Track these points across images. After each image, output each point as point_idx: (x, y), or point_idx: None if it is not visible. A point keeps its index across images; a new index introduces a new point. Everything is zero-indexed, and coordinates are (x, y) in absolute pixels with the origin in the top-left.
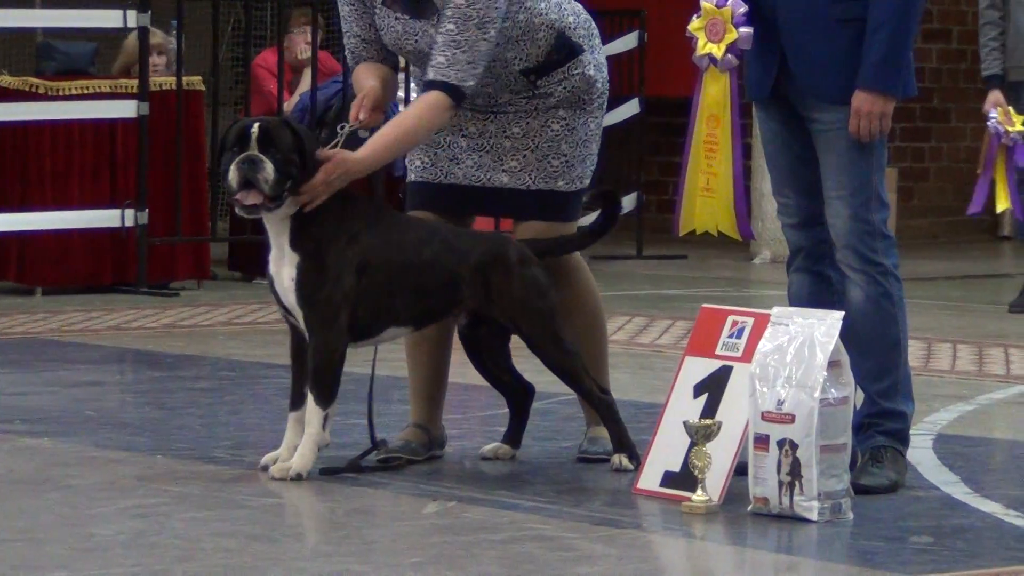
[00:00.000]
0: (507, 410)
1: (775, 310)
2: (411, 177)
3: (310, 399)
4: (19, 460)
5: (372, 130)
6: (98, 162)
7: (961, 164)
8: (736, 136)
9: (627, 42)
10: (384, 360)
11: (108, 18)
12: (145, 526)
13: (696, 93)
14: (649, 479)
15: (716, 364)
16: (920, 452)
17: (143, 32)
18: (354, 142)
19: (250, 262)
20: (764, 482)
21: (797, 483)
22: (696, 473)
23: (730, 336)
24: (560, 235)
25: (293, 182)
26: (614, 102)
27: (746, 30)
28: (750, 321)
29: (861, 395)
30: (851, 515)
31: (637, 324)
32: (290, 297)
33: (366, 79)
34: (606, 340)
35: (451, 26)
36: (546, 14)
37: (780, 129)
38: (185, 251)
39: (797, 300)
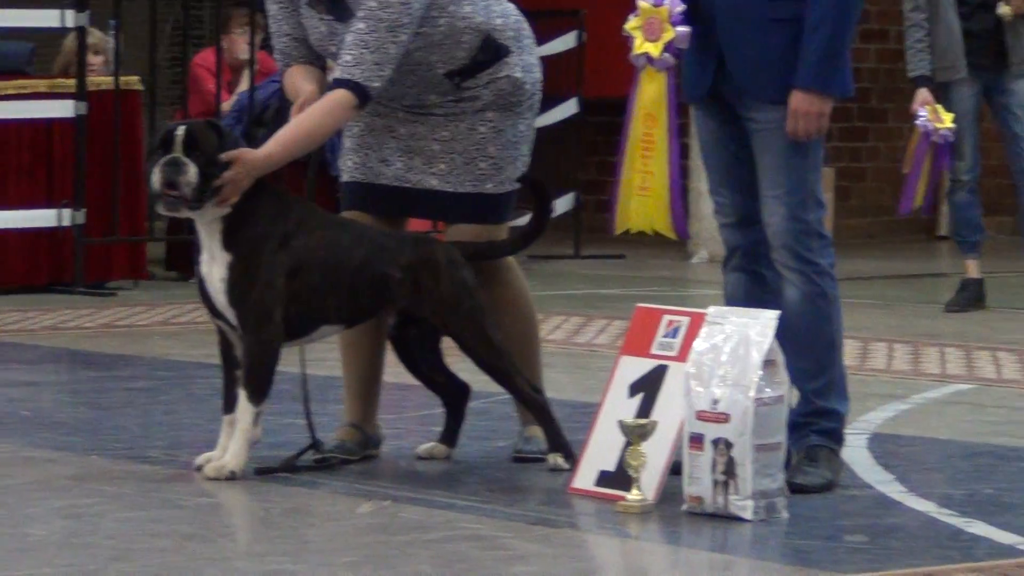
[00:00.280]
0: (443, 409)
1: (710, 309)
2: (344, 178)
3: (242, 396)
4: None
5: None
6: (35, 162)
7: (899, 164)
8: (672, 135)
9: (565, 42)
10: (320, 360)
11: (46, 18)
12: (79, 526)
13: (632, 92)
14: (584, 478)
15: (651, 363)
16: (855, 451)
17: (81, 32)
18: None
19: (187, 262)
20: (699, 481)
21: (732, 482)
22: (631, 472)
23: (665, 336)
24: (492, 239)
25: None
26: (552, 102)
27: (683, 29)
28: (685, 320)
29: (796, 394)
30: (786, 514)
31: (574, 324)
32: (221, 298)
33: (302, 82)
34: (538, 339)
35: (362, 25)
36: (472, 17)
37: (717, 128)
38: (122, 251)
39: (733, 299)
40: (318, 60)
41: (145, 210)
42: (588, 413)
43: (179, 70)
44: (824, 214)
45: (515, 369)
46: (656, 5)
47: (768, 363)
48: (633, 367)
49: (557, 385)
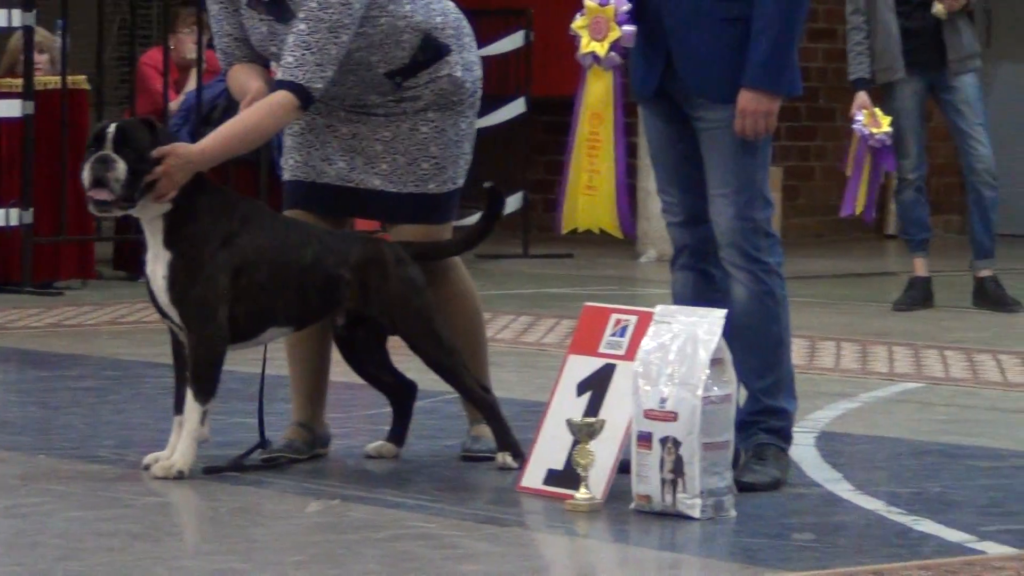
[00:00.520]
0: (390, 408)
1: (658, 308)
2: (285, 176)
3: (189, 395)
4: None
5: None
6: None
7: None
8: (619, 134)
9: (513, 41)
10: (268, 359)
11: None
12: (26, 525)
13: (579, 91)
14: (532, 477)
15: (599, 362)
16: (803, 449)
17: (28, 31)
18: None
19: (135, 261)
20: (647, 480)
21: (680, 481)
22: (579, 471)
23: (613, 334)
24: (436, 239)
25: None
26: (500, 101)
27: (629, 28)
28: (633, 319)
29: (744, 393)
30: (734, 512)
31: (523, 323)
32: (164, 296)
33: (249, 80)
34: (485, 338)
35: (303, 27)
36: (412, 16)
37: (665, 127)
38: (70, 250)
39: (681, 298)
40: (260, 59)
41: None
42: (537, 412)
43: (126, 69)
44: (772, 213)
45: (464, 368)
46: (602, 4)
47: (716, 362)
48: (581, 366)
49: (506, 384)
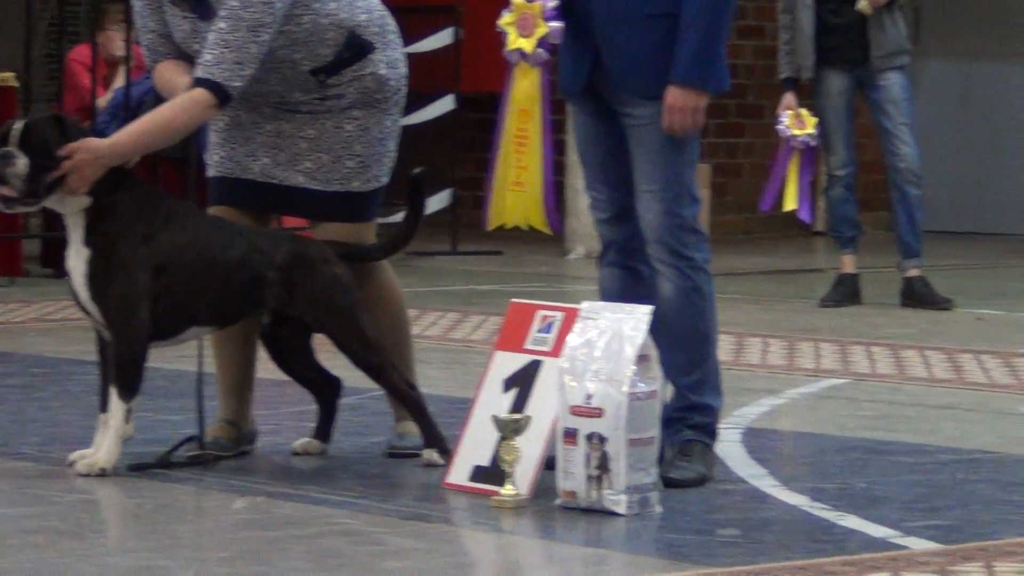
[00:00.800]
0: (317, 405)
1: (584, 305)
2: (210, 172)
3: (113, 393)
4: None
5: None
6: None
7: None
8: (546, 131)
9: (442, 38)
10: (194, 356)
11: None
12: None
13: (506, 88)
14: (458, 473)
15: (526, 359)
16: (729, 446)
17: None
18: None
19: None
20: (573, 476)
21: (605, 477)
22: (505, 467)
23: (540, 331)
24: (360, 236)
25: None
26: (429, 98)
27: (556, 24)
28: (559, 316)
29: (670, 389)
30: (659, 508)
31: (450, 319)
32: (84, 293)
33: (176, 76)
34: (410, 336)
35: (223, 25)
36: (336, 14)
37: (593, 124)
38: None
39: (608, 294)
40: (185, 57)
41: None
42: (463, 408)
43: (55, 66)
44: (699, 209)
45: (390, 365)
46: (529, 1)
47: (642, 358)
48: (507, 362)
49: (433, 381)
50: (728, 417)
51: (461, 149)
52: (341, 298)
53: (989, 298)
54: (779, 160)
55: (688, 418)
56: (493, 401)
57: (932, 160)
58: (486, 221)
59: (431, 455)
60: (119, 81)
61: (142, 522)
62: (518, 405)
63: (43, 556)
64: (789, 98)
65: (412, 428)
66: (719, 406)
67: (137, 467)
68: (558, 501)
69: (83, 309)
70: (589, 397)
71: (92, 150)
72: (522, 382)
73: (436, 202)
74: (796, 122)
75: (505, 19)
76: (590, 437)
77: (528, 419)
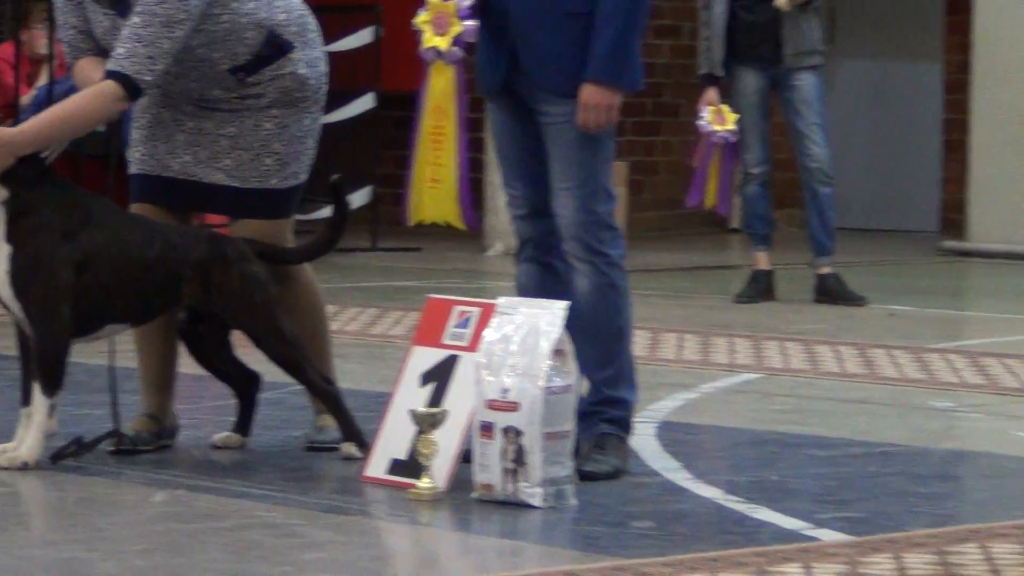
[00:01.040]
0: (236, 400)
1: (501, 300)
2: (132, 169)
3: (36, 388)
4: None
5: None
6: None
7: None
8: (462, 128)
9: (362, 37)
10: (117, 351)
11: None
12: None
13: (423, 86)
14: (376, 467)
15: (443, 353)
16: (644, 439)
17: None
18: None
19: None
20: (489, 469)
21: (521, 470)
22: (422, 460)
23: (457, 326)
24: (278, 233)
25: None
26: (349, 97)
27: (471, 23)
28: (476, 311)
29: (586, 383)
30: (574, 501)
31: (370, 315)
32: (5, 290)
33: (95, 71)
34: (328, 331)
35: (137, 20)
36: (255, 13)
37: (510, 122)
38: None
39: (525, 290)
40: (105, 53)
41: None
42: (381, 403)
43: None
44: (614, 206)
45: (307, 361)
46: (445, 0)
47: (557, 353)
48: (425, 357)
49: (352, 376)
50: (643, 411)
51: (381, 147)
52: (258, 295)
53: (901, 294)
54: (703, 156)
55: (603, 412)
56: (410, 395)
57: (846, 158)
58: (406, 217)
59: (349, 449)
60: (43, 79)
61: (64, 515)
62: (435, 399)
63: None
64: (710, 94)
65: (331, 422)
66: (634, 400)
67: (58, 456)
68: (474, 494)
69: (3, 304)
70: (505, 391)
71: None
72: (439, 377)
73: (356, 199)
74: (717, 118)
75: (421, 18)
76: (506, 431)
77: (445, 413)
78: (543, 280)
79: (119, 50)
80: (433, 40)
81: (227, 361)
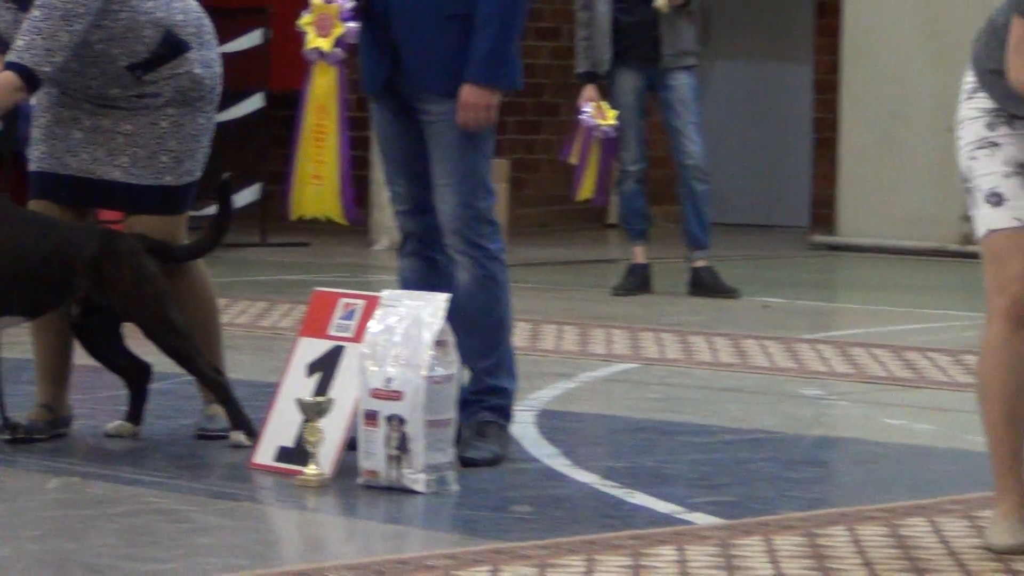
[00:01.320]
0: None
1: (385, 293)
2: (32, 167)
3: None
4: None
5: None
6: None
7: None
8: (343, 126)
9: (252, 39)
10: (15, 343)
11: None
12: None
13: (305, 85)
14: (265, 454)
15: (329, 344)
16: (523, 427)
17: None
18: None
19: None
20: (374, 456)
21: (404, 457)
22: (309, 448)
23: (342, 318)
24: (171, 229)
25: None
26: (239, 96)
27: (353, 25)
28: (361, 303)
29: (467, 373)
30: (456, 486)
31: (259, 308)
32: None
33: None
34: (219, 323)
35: (37, 13)
36: (153, 12)
37: (392, 120)
38: None
39: (408, 284)
40: (8, 48)
41: None
42: (270, 392)
43: None
44: (494, 202)
45: (197, 352)
46: (328, 2)
47: (439, 343)
48: (311, 348)
49: (241, 366)
50: (523, 400)
51: (270, 145)
52: (148, 288)
53: (774, 287)
54: (583, 152)
55: (484, 400)
56: (297, 385)
57: (722, 156)
58: (288, 212)
59: (238, 437)
60: None
61: None
62: (321, 389)
63: None
64: (590, 90)
65: (220, 411)
66: (514, 389)
67: None
68: (360, 480)
69: None
70: (389, 380)
71: None
72: (325, 367)
73: (245, 196)
74: (598, 113)
75: (304, 19)
76: (390, 419)
77: (331, 402)
78: (425, 273)
79: (19, 42)
80: (316, 41)
81: (119, 353)
